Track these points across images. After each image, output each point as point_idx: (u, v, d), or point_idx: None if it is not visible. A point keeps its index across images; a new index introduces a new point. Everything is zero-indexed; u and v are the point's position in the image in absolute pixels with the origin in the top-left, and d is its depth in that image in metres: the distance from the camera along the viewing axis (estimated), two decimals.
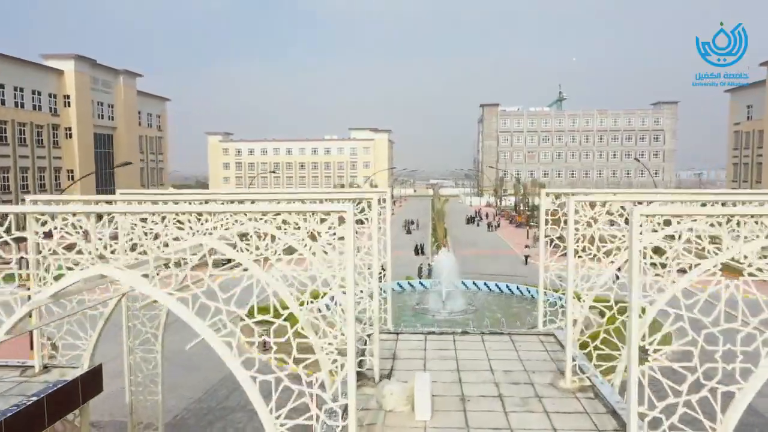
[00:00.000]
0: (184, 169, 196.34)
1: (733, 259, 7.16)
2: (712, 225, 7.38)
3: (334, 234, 8.53)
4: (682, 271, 8.08)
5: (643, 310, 7.54)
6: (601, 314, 11.76)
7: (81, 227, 8.74)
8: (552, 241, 13.86)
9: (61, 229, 8.73)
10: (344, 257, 7.54)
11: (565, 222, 12.09)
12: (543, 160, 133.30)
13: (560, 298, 14.29)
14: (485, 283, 35.65)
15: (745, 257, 6.97)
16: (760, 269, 7.02)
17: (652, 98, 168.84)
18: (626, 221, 10.43)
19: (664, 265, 9.36)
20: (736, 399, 6.65)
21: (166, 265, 8.06)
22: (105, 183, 73.94)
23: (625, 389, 7.21)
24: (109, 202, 11.58)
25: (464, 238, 63.64)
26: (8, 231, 8.27)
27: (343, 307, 7.76)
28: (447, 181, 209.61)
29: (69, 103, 65.90)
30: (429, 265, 39.86)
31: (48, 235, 8.99)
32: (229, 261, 8.19)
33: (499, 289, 35.03)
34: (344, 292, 7.40)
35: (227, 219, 8.49)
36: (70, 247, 8.86)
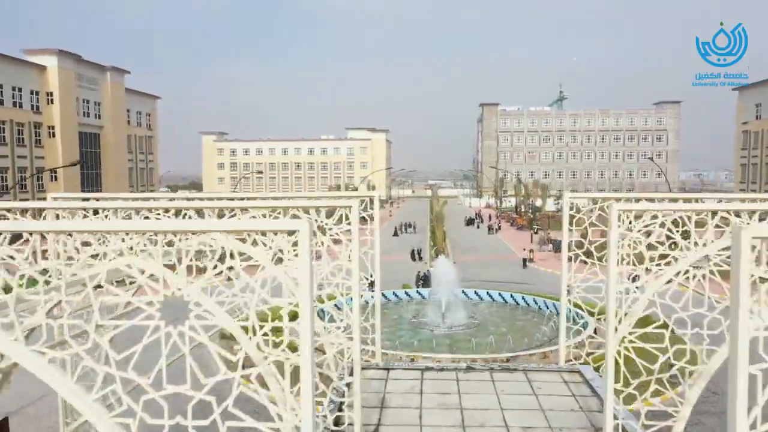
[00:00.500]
0: (182, 170, 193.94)
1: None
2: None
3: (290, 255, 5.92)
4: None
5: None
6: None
7: None
8: (576, 255, 11.57)
9: None
10: (300, 290, 4.94)
11: (603, 234, 10.09)
12: (544, 161, 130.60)
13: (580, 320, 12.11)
14: (488, 293, 33.02)
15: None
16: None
17: (653, 98, 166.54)
18: (684, 235, 8.10)
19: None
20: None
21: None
22: (91, 184, 71.26)
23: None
24: None
25: (464, 242, 60.98)
26: None
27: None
28: (446, 182, 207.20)
29: (52, 100, 63.16)
30: (427, 271, 37.22)
31: None
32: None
33: (503, 299, 32.40)
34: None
35: (135, 238, 5.87)
36: None
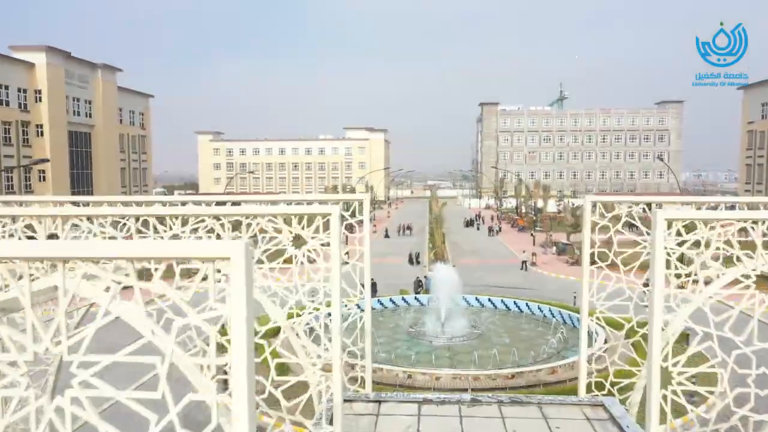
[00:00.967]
0: (179, 170, 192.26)
1: None
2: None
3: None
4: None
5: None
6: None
7: None
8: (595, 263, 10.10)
9: None
10: (234, 324, 3.29)
11: (637, 244, 8.91)
12: (544, 161, 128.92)
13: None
14: (490, 299, 31.35)
15: None
16: None
17: (655, 98, 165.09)
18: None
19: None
20: None
21: None
22: (82, 184, 69.50)
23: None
24: None
25: (464, 245, 59.33)
26: None
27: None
28: (445, 182, 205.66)
29: (40, 98, 61.35)
30: (425, 276, 35.54)
31: None
32: None
33: (506, 306, 30.72)
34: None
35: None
36: None
